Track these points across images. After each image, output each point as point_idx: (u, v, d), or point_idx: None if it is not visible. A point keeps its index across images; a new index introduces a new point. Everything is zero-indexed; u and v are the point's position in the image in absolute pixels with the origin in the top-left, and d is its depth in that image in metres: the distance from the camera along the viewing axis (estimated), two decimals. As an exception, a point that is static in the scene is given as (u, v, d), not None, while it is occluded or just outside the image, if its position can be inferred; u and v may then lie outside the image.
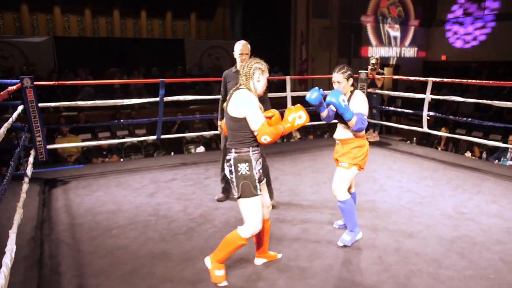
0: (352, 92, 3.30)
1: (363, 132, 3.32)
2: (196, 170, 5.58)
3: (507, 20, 15.97)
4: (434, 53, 19.60)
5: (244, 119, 2.65)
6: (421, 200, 4.45)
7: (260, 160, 2.78)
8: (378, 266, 3.05)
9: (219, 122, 4.39)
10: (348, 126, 3.26)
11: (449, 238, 3.52)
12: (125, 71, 12.66)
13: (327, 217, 3.96)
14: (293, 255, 3.21)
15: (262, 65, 2.73)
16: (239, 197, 2.71)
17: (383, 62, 18.49)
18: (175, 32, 16.97)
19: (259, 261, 3.10)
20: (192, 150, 8.27)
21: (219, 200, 4.36)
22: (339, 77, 3.23)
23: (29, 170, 4.46)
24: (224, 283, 2.79)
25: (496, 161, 6.60)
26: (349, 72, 3.25)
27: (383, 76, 7.29)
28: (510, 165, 6.22)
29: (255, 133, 2.64)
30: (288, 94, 6.70)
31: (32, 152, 5.00)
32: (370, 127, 7.33)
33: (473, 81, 7.24)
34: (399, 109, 8.49)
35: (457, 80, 6.98)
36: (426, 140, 9.56)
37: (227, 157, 2.73)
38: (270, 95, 6.93)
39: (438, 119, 10.11)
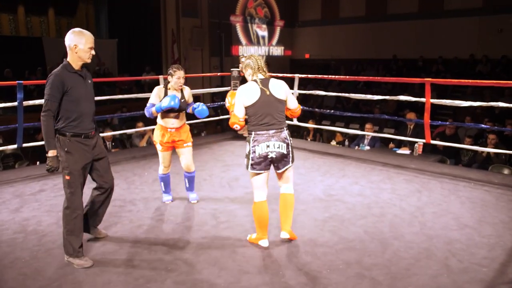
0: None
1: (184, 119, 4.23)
2: (68, 178, 5.15)
3: (357, 23, 18.04)
4: (298, 52, 21.14)
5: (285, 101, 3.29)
6: (295, 187, 4.71)
7: None
8: (262, 253, 3.23)
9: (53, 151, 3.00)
10: (183, 116, 4.17)
11: (322, 218, 3.88)
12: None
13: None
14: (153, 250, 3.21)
15: None
16: (292, 163, 3.32)
17: (254, 61, 19.27)
18: (30, 29, 15.32)
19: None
20: (62, 158, 7.57)
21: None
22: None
23: None
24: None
25: (356, 147, 7.40)
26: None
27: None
28: (368, 150, 7.04)
29: (297, 108, 3.48)
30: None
31: None
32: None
33: (334, 76, 8.03)
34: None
35: (319, 76, 7.64)
36: (296, 133, 10.25)
37: (281, 135, 3.22)
38: (143, 95, 6.74)
39: (306, 112, 10.94)
